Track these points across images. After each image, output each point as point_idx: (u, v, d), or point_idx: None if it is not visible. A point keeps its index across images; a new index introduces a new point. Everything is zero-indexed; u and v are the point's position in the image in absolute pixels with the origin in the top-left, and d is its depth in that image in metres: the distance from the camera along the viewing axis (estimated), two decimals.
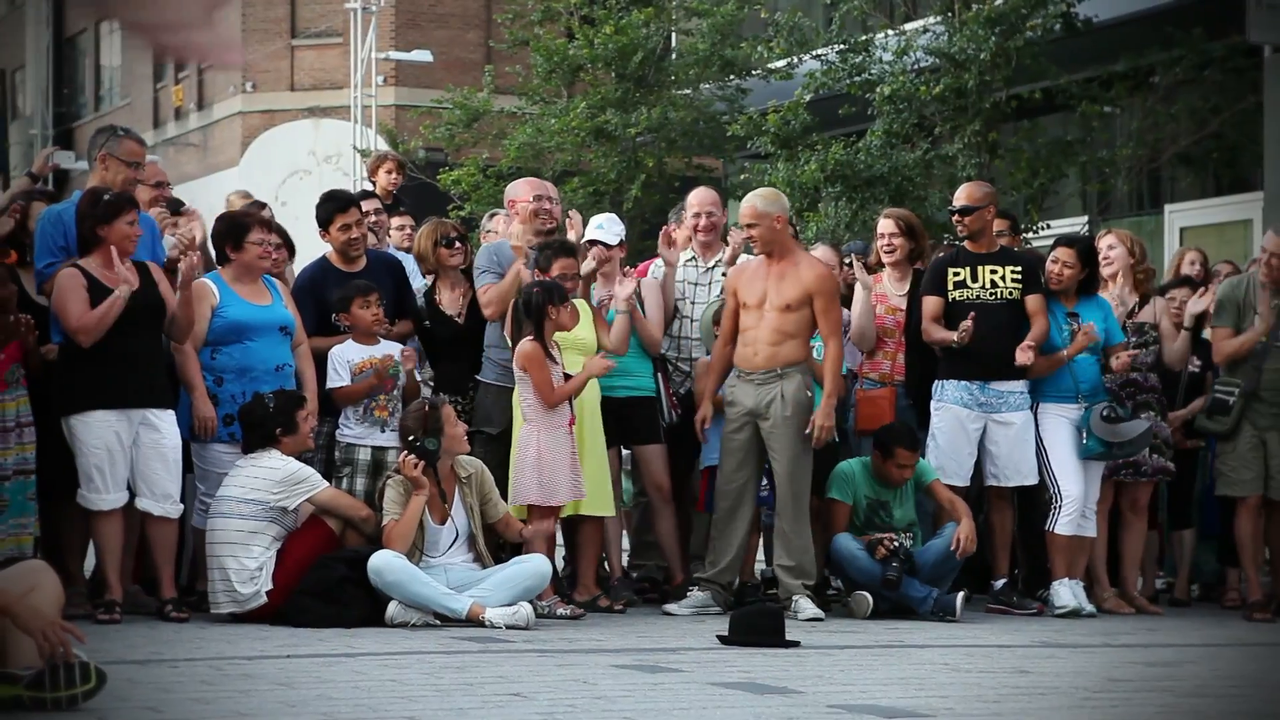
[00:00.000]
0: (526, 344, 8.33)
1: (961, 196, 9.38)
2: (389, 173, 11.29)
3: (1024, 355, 8.96)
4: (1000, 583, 9.18)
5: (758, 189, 9.29)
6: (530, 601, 7.94)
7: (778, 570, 8.69)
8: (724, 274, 9.40)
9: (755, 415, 8.64)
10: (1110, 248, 9.65)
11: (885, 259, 9.58)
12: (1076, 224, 16.92)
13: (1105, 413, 9.02)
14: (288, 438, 8.07)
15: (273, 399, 8.12)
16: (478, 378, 8.98)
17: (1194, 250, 10.85)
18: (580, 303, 8.81)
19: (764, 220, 8.72)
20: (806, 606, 8.48)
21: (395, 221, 10.20)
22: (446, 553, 8.09)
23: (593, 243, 9.14)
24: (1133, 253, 9.67)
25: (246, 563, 7.92)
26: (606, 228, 9.20)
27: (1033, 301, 9.16)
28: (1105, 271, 9.55)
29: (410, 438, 8.06)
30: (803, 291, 8.68)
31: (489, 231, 10.10)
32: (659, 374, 9.26)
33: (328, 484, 8.19)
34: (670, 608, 8.71)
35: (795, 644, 7.26)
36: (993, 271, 9.17)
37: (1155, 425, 9.38)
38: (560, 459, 8.34)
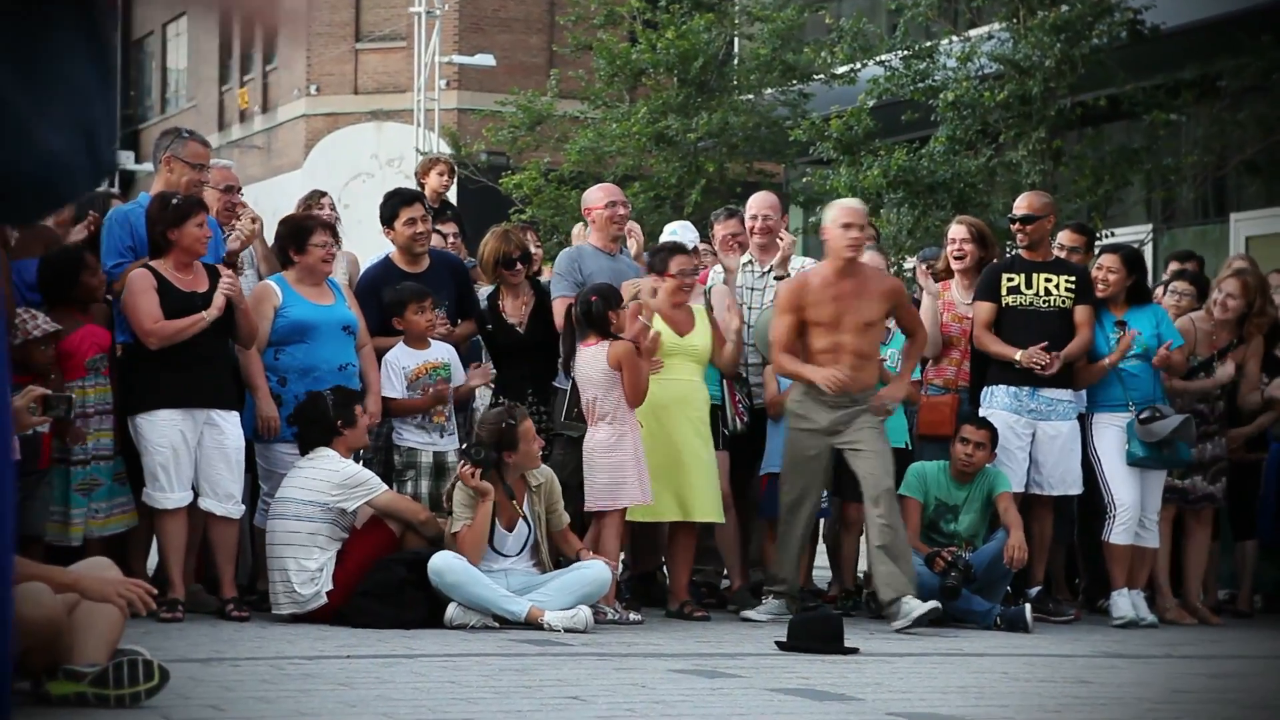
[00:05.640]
0: (621, 345, 8.32)
1: (1023, 205, 9.34)
2: (440, 175, 11.28)
3: (1036, 360, 8.89)
4: (1035, 590, 9.12)
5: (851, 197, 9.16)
6: (590, 606, 7.95)
7: (880, 576, 8.36)
8: (776, 278, 9.37)
9: (829, 432, 8.42)
10: (1230, 296, 9.47)
11: (955, 265, 9.53)
12: (1141, 232, 16.81)
13: (1143, 415, 8.94)
14: (348, 430, 8.09)
15: (331, 394, 8.15)
16: (554, 384, 8.98)
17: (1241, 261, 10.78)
18: (698, 309, 8.81)
19: (867, 230, 8.58)
20: (915, 605, 8.21)
21: (443, 229, 10.01)
22: (510, 557, 8.10)
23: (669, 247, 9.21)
24: (1252, 303, 9.47)
25: (307, 563, 7.95)
26: (681, 233, 9.26)
27: (1081, 312, 9.12)
28: (1218, 314, 9.44)
29: (464, 445, 8.09)
30: (884, 306, 8.48)
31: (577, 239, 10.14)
32: (726, 381, 9.25)
33: (387, 486, 8.22)
34: (749, 614, 8.64)
35: (854, 651, 7.23)
36: (1047, 280, 9.15)
37: (1218, 448, 9.34)
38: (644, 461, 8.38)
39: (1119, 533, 9.06)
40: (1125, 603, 9.01)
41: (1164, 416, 8.93)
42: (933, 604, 8.19)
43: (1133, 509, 9.05)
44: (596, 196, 9.41)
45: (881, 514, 8.28)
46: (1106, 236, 15.72)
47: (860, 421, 8.40)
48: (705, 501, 8.62)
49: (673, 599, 8.76)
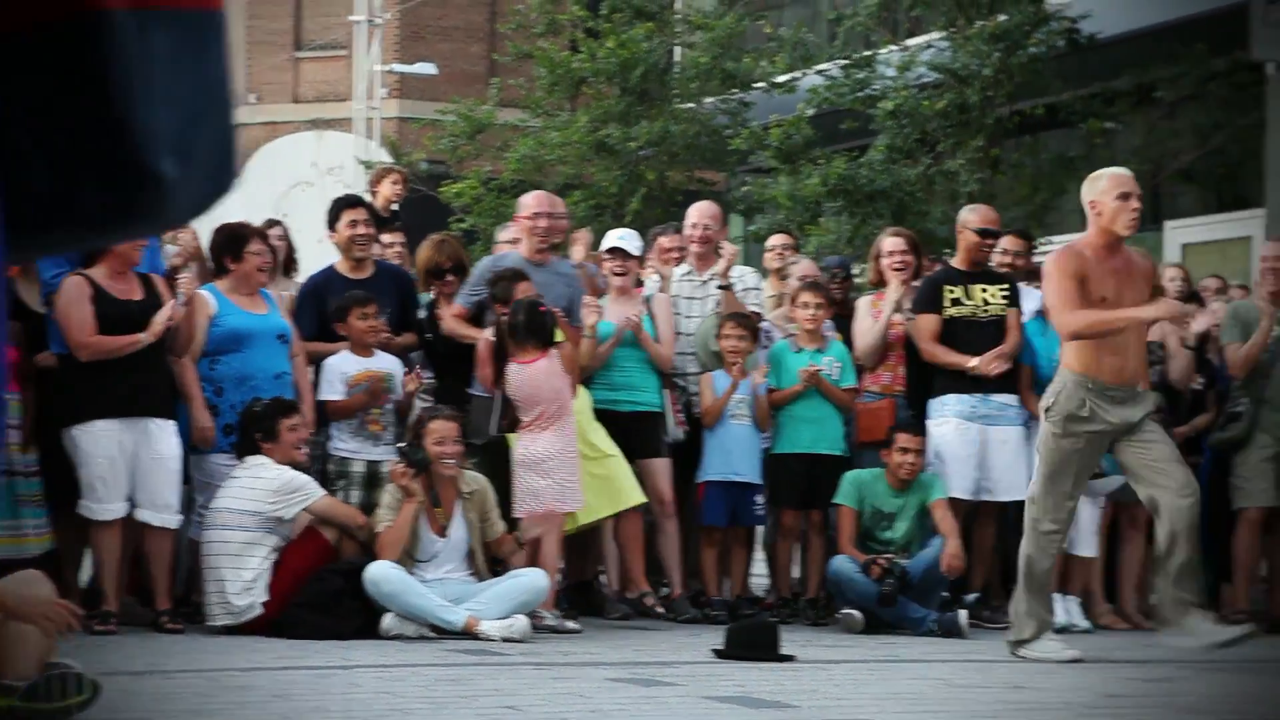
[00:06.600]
0: (568, 349, 8.38)
1: (989, 220, 9.46)
2: (394, 184, 11.28)
3: (992, 366, 8.99)
4: (973, 597, 9.17)
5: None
6: (529, 614, 7.95)
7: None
8: (720, 287, 9.46)
9: (1115, 434, 7.37)
10: None
11: (896, 276, 9.57)
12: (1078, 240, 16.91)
13: None
14: (269, 444, 8.06)
15: (262, 405, 8.12)
16: (469, 390, 8.99)
17: (1175, 268, 10.91)
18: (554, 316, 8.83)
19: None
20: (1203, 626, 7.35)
21: (386, 238, 10.08)
22: (443, 565, 8.09)
23: (613, 251, 9.22)
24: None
25: (243, 574, 7.92)
26: (628, 240, 9.29)
27: (1011, 315, 9.26)
28: None
29: (400, 444, 8.11)
30: (1148, 290, 7.50)
31: (499, 243, 10.15)
32: (666, 390, 9.28)
33: (325, 492, 8.20)
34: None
35: (790, 658, 7.25)
36: (983, 290, 9.28)
37: None
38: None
39: None
40: (1059, 609, 9.06)
41: (1101, 473, 9.00)
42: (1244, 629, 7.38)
43: None
44: (526, 204, 9.39)
45: (1180, 558, 7.28)
46: (1045, 244, 15.84)
47: (1149, 430, 7.40)
48: (631, 486, 8.69)
49: (633, 586, 8.85)
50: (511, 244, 9.67)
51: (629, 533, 8.88)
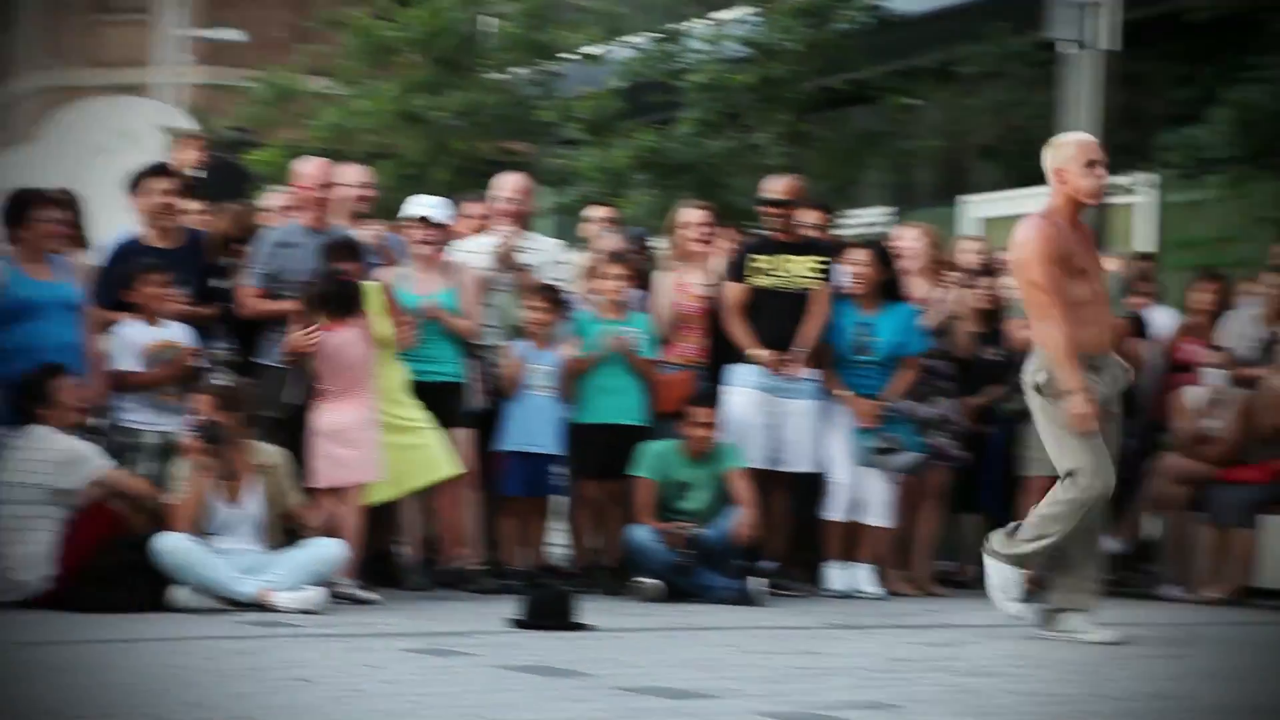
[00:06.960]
0: (375, 317, 8.38)
1: (780, 189, 9.52)
2: (196, 151, 11.16)
3: (780, 371, 9.14)
4: (768, 565, 9.30)
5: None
6: (327, 585, 7.88)
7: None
8: (508, 267, 9.46)
9: (1106, 404, 7.19)
10: (907, 242, 9.82)
11: (699, 248, 9.65)
12: (879, 214, 17.20)
13: (880, 446, 9.28)
14: (45, 411, 7.89)
15: (32, 372, 7.94)
16: (261, 360, 8.86)
17: (975, 241, 11.13)
18: (375, 288, 8.76)
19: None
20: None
21: (187, 206, 9.98)
22: (236, 536, 7.99)
23: (423, 220, 9.16)
24: (937, 244, 9.85)
25: (26, 548, 7.74)
26: (436, 208, 9.26)
27: (819, 290, 9.34)
28: (905, 265, 9.73)
29: (198, 419, 8.03)
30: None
31: (266, 210, 10.02)
32: (470, 359, 9.26)
33: (111, 463, 8.05)
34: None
35: (587, 627, 7.29)
36: (795, 262, 9.37)
37: (948, 412, 9.61)
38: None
39: (835, 508, 9.33)
40: (836, 575, 9.29)
41: (895, 450, 9.24)
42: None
43: (849, 486, 9.32)
44: (305, 174, 9.22)
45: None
46: (848, 218, 16.06)
47: (1109, 418, 7.19)
48: (447, 457, 8.72)
49: (444, 556, 9.00)
50: (283, 211, 9.55)
51: (448, 501, 8.87)
